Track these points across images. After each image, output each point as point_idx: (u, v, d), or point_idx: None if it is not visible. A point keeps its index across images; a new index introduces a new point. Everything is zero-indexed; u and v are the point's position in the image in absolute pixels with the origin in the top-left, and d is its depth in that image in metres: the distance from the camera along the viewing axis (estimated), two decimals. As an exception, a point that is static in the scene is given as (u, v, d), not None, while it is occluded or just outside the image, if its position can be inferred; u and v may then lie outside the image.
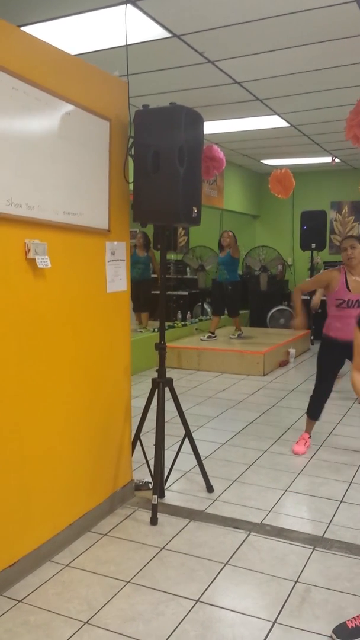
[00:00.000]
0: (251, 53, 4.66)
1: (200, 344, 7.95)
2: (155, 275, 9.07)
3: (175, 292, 10.74)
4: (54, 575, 2.75)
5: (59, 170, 2.82)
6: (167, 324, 8.49)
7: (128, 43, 3.85)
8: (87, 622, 2.41)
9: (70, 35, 4.12)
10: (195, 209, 3.30)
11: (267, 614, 2.48)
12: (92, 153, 3.06)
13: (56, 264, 2.81)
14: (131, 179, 3.31)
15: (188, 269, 11.23)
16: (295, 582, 2.71)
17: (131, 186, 3.33)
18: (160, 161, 3.13)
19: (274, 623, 2.42)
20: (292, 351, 8.14)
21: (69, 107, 2.87)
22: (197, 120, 3.30)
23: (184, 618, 2.44)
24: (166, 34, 4.19)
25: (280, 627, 2.40)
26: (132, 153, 3.26)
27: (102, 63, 3.36)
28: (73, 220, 2.93)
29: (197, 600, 2.56)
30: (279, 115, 6.69)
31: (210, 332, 8.40)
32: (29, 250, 2.62)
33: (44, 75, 2.69)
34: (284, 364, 7.91)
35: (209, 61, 4.82)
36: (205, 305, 10.58)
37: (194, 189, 3.29)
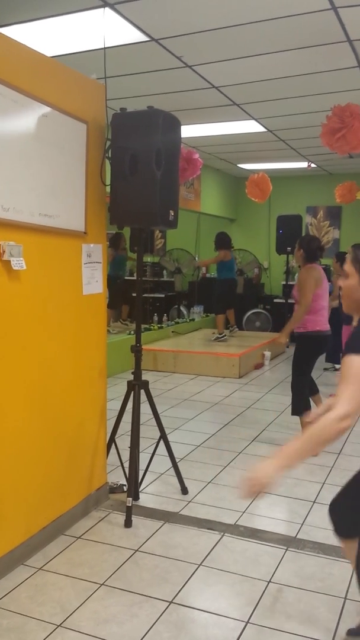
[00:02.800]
0: (229, 58, 4.70)
1: (176, 346, 7.97)
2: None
3: (151, 295, 10.75)
4: (27, 579, 2.74)
5: (35, 173, 2.81)
6: (143, 326, 8.52)
7: (106, 46, 3.86)
8: (60, 625, 2.41)
9: (48, 37, 4.11)
10: (172, 212, 3.33)
11: (240, 614, 2.51)
12: (69, 155, 3.06)
13: (32, 266, 2.80)
14: (108, 182, 3.32)
15: (165, 272, 11.26)
16: (268, 583, 2.74)
17: (108, 189, 3.34)
18: (137, 164, 3.15)
19: (246, 623, 2.45)
20: (268, 354, 8.20)
21: (46, 109, 2.86)
22: (174, 124, 3.32)
23: (157, 619, 2.46)
24: (144, 38, 4.21)
25: (253, 627, 2.43)
26: (109, 156, 3.27)
27: (80, 66, 3.37)
28: (49, 222, 2.93)
29: (171, 602, 2.58)
30: (255, 120, 6.75)
31: (218, 332, 8.54)
32: (3, 252, 2.61)
33: (20, 77, 2.68)
34: (259, 366, 7.97)
35: (186, 65, 4.84)
36: (182, 308, 10.61)
37: (171, 192, 3.31)
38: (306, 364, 4.64)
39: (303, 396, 4.62)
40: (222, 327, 8.59)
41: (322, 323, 4.54)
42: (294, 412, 4.70)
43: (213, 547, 3.05)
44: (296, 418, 5.22)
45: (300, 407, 4.60)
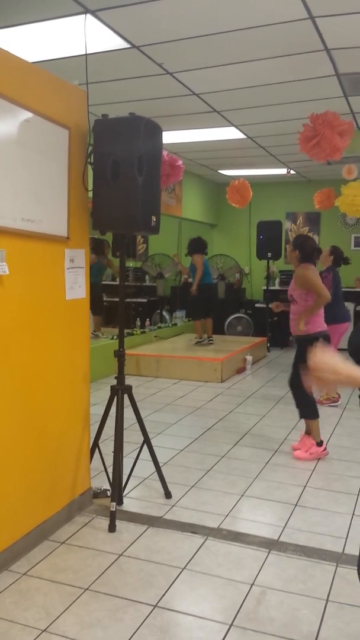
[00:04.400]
0: (209, 66, 4.75)
1: (158, 351, 7.98)
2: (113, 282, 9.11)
3: (134, 300, 10.75)
4: (11, 584, 2.73)
5: (17, 178, 2.82)
6: (125, 331, 8.51)
7: (88, 52, 3.88)
8: (44, 630, 2.40)
9: (29, 43, 4.12)
10: (154, 218, 3.35)
11: (223, 617, 2.52)
12: (51, 161, 3.07)
13: (14, 270, 2.80)
14: (90, 187, 3.33)
15: (147, 277, 11.27)
16: (251, 585, 2.76)
17: (91, 194, 3.35)
18: (119, 170, 3.17)
19: (230, 626, 2.46)
20: (249, 358, 8.25)
21: (27, 115, 2.87)
22: (156, 131, 3.34)
23: (142, 623, 2.46)
24: (125, 45, 4.24)
25: (237, 629, 2.44)
26: (92, 161, 3.28)
27: (61, 72, 3.38)
28: (32, 227, 2.93)
29: (155, 606, 2.59)
30: (235, 127, 6.81)
31: (198, 337, 8.54)
32: (-14, 257, 2.61)
33: (2, 82, 2.69)
34: (241, 370, 8.01)
35: (167, 72, 4.88)
36: (164, 313, 10.63)
37: (152, 198, 3.33)
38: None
39: (308, 399, 4.47)
40: (201, 330, 8.61)
41: (320, 323, 4.48)
42: (303, 415, 4.54)
43: (197, 551, 3.06)
44: (278, 421, 5.29)
45: (309, 409, 4.48)
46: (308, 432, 4.54)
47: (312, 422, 4.50)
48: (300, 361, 4.47)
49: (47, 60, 4.40)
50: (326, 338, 4.51)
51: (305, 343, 4.45)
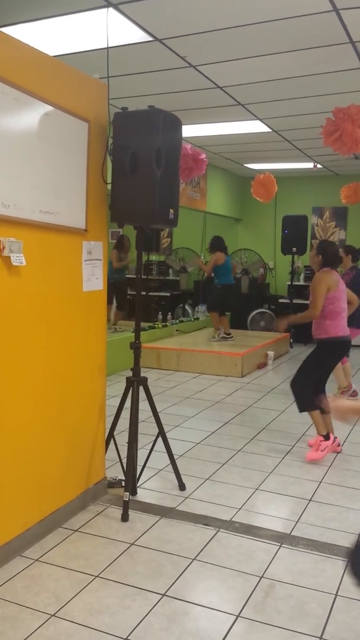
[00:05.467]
0: (233, 58, 4.73)
1: (179, 345, 8.01)
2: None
3: (157, 293, 10.79)
4: (23, 570, 2.78)
5: (36, 170, 2.86)
6: (147, 324, 8.57)
7: (109, 46, 3.90)
8: (54, 615, 2.45)
9: (51, 37, 4.16)
10: (172, 211, 3.36)
11: (231, 608, 2.54)
12: (70, 153, 3.10)
13: (32, 262, 2.84)
14: (109, 180, 3.36)
15: (170, 271, 11.30)
16: (261, 578, 2.77)
17: (109, 187, 3.38)
18: (137, 163, 3.19)
19: (237, 617, 2.48)
20: (271, 354, 8.23)
21: (48, 108, 2.91)
22: (175, 124, 3.35)
23: (149, 611, 2.49)
24: (148, 38, 4.25)
25: (243, 620, 2.46)
26: (111, 154, 3.31)
27: (83, 65, 3.41)
28: (50, 219, 2.97)
29: (164, 595, 2.62)
30: (260, 120, 6.78)
31: (216, 330, 8.56)
32: (3, 248, 2.65)
33: (23, 76, 2.73)
34: (262, 366, 7.99)
35: (190, 65, 4.88)
36: (187, 307, 10.65)
37: (171, 191, 3.35)
38: (319, 368, 4.47)
39: (305, 392, 4.44)
40: (228, 326, 8.62)
41: (342, 327, 4.39)
42: (301, 409, 4.50)
43: (208, 542, 3.09)
44: (297, 416, 5.25)
45: (305, 403, 4.43)
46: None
47: (311, 414, 4.43)
48: (310, 364, 4.47)
49: (69, 54, 4.43)
50: (343, 343, 4.44)
51: (321, 346, 4.46)
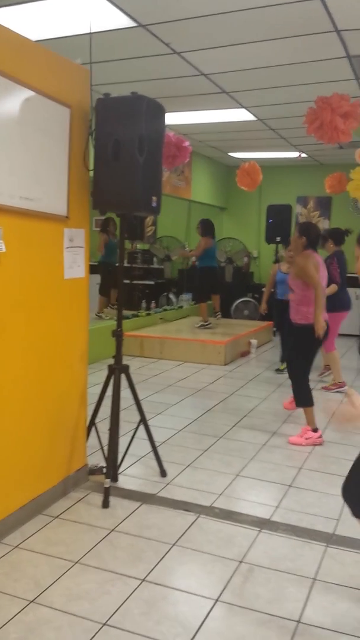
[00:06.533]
0: (218, 45, 4.70)
1: (163, 333, 8.01)
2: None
3: (141, 282, 10.77)
4: (2, 556, 2.79)
5: (16, 155, 2.83)
6: (131, 313, 8.56)
7: (92, 31, 3.86)
8: (32, 601, 2.46)
9: (33, 21, 4.10)
10: (155, 199, 3.35)
11: (210, 592, 2.57)
12: (51, 139, 3.08)
13: (12, 248, 2.82)
14: (91, 167, 3.34)
15: (155, 259, 11.27)
16: (240, 563, 2.81)
17: (91, 173, 3.36)
18: (120, 150, 3.17)
19: (216, 601, 2.51)
20: (254, 342, 8.27)
21: (28, 93, 2.87)
22: (158, 111, 3.33)
23: (129, 596, 2.52)
24: (132, 24, 4.21)
25: (222, 605, 2.49)
26: (93, 140, 3.28)
27: (66, 51, 3.37)
28: (30, 205, 2.95)
29: (143, 580, 2.64)
30: (245, 108, 6.76)
31: (203, 320, 8.56)
32: (-17, 233, 2.63)
33: (3, 59, 2.69)
34: (245, 354, 8.03)
35: (175, 52, 4.84)
36: (171, 295, 10.64)
37: (153, 179, 3.33)
38: (310, 353, 4.47)
39: (306, 385, 4.46)
40: (207, 314, 8.63)
41: (323, 313, 4.39)
42: (299, 404, 4.52)
43: (188, 528, 3.11)
44: (278, 404, 5.31)
45: (303, 398, 4.46)
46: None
47: (307, 409, 4.48)
48: (302, 352, 4.46)
49: (52, 39, 4.38)
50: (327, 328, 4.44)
51: (302, 332, 4.43)
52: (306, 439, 4.43)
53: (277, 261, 10.02)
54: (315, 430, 4.48)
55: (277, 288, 6.84)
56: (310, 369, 4.52)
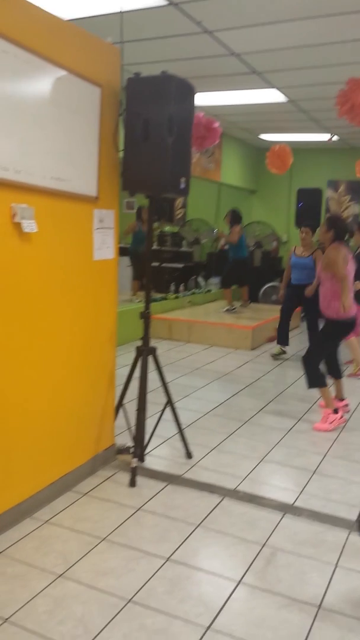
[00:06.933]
0: (250, 24, 4.63)
1: (191, 316, 8.02)
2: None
3: (170, 265, 10.75)
4: (33, 531, 2.85)
5: (47, 135, 2.84)
6: (159, 295, 8.58)
7: (123, 10, 3.83)
8: (61, 575, 2.52)
9: (65, 0, 4.07)
10: (183, 180, 3.33)
11: (232, 574, 2.59)
12: (82, 119, 3.07)
13: (42, 228, 2.84)
14: (121, 147, 3.33)
15: (184, 242, 11.24)
16: (263, 546, 2.82)
17: (121, 154, 3.35)
18: (149, 130, 3.15)
19: (238, 583, 2.53)
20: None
21: (60, 72, 2.87)
22: (188, 91, 3.30)
23: (153, 575, 2.55)
24: (163, 2, 4.15)
25: (244, 586, 2.51)
26: (123, 120, 3.27)
27: (96, 30, 3.34)
28: (61, 186, 2.96)
29: (168, 559, 2.67)
30: (277, 89, 6.65)
31: (229, 305, 8.63)
32: (15, 214, 2.65)
33: (34, 39, 2.69)
34: (272, 339, 7.97)
35: (206, 31, 4.78)
36: (199, 279, 10.62)
37: (182, 160, 3.31)
38: (332, 344, 4.59)
39: (316, 369, 4.45)
40: (231, 299, 8.65)
41: (351, 307, 4.32)
42: (311, 385, 4.50)
43: (212, 510, 3.14)
44: (305, 391, 5.26)
45: (315, 379, 4.45)
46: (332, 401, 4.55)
47: (321, 390, 4.48)
48: (320, 340, 4.52)
49: (83, 18, 4.35)
50: (350, 323, 4.43)
51: (331, 325, 4.45)
52: (330, 423, 4.42)
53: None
54: (335, 411, 4.47)
55: (292, 273, 6.72)
56: (323, 356, 4.60)
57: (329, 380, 4.62)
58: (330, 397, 4.51)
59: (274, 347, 6.95)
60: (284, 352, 6.88)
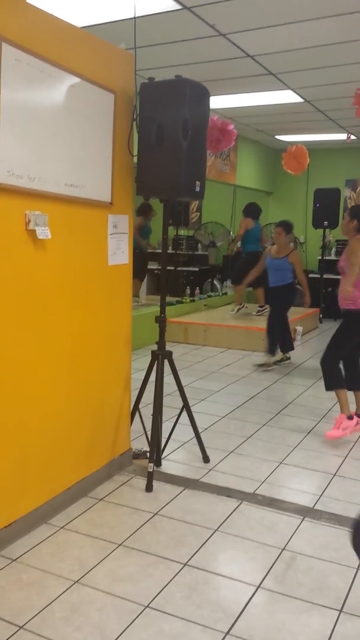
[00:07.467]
0: (264, 26, 4.62)
1: (207, 319, 8.00)
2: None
3: (185, 268, 10.76)
4: (49, 537, 2.86)
5: (61, 142, 2.85)
6: (175, 299, 8.57)
7: (137, 15, 3.84)
8: (77, 582, 2.51)
9: (77, 7, 4.10)
10: (198, 183, 3.32)
11: (252, 578, 2.57)
12: (96, 125, 3.08)
13: (57, 235, 2.86)
14: (136, 152, 3.33)
15: (199, 245, 11.24)
16: (282, 550, 2.80)
17: (135, 159, 3.35)
18: (164, 134, 3.15)
19: (257, 587, 2.51)
20: (299, 329, 8.16)
21: (73, 79, 2.89)
22: (202, 94, 3.29)
23: (171, 580, 2.54)
24: (176, 6, 4.16)
25: (264, 591, 2.49)
26: (138, 126, 3.27)
27: (110, 36, 3.35)
28: (75, 192, 2.97)
29: (185, 564, 2.66)
30: (292, 90, 6.62)
31: (238, 304, 8.51)
32: (29, 221, 2.67)
33: (48, 47, 2.70)
34: (290, 341, 7.92)
35: (220, 34, 4.77)
36: (215, 282, 10.60)
37: (197, 163, 3.31)
38: (348, 341, 4.31)
39: (335, 370, 4.30)
40: (241, 297, 8.55)
41: None
42: (328, 387, 4.35)
43: (230, 514, 3.12)
44: (324, 392, 5.20)
45: (333, 381, 4.28)
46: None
47: (338, 392, 4.28)
48: (339, 339, 4.29)
49: (96, 25, 4.37)
50: None
51: (349, 317, 4.27)
52: (343, 429, 4.20)
53: (324, 247, 9.88)
54: (350, 417, 4.26)
55: (268, 274, 6.50)
56: (344, 356, 4.34)
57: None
58: (346, 401, 4.29)
59: (278, 355, 6.56)
60: (287, 358, 6.62)
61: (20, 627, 2.23)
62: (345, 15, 4.32)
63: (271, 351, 6.47)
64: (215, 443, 4.08)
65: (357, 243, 4.21)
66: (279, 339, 6.47)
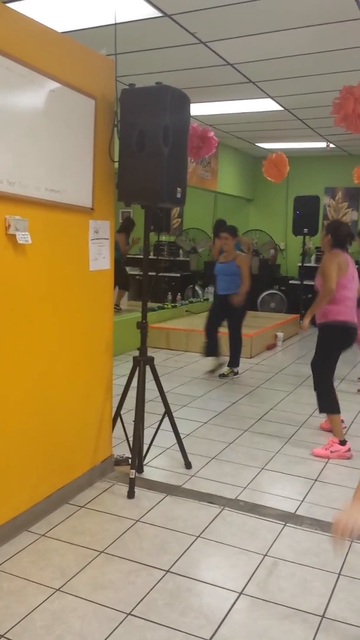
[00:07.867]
0: (244, 35, 4.64)
1: (189, 325, 8.00)
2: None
3: (167, 274, 10.77)
4: (29, 545, 2.82)
5: (42, 147, 2.84)
6: (157, 305, 8.57)
7: (117, 22, 3.84)
8: (58, 589, 2.49)
9: (58, 12, 4.09)
10: (179, 190, 3.33)
11: (234, 585, 2.56)
12: (76, 131, 3.08)
13: (38, 240, 2.84)
14: (117, 158, 3.33)
15: (181, 251, 11.26)
16: (264, 556, 2.80)
17: (116, 165, 3.35)
18: (145, 140, 3.16)
19: (240, 594, 2.50)
20: (280, 335, 8.21)
21: (54, 85, 2.88)
22: (183, 101, 3.30)
23: (153, 587, 2.52)
24: (157, 13, 4.17)
25: (246, 597, 2.48)
26: (119, 132, 3.27)
27: (91, 42, 3.35)
28: (56, 197, 2.96)
29: (168, 571, 2.64)
30: (272, 98, 6.67)
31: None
32: (9, 226, 2.65)
33: (28, 52, 2.70)
34: (271, 347, 7.97)
35: (200, 42, 4.80)
36: (197, 288, 10.62)
37: (178, 170, 3.31)
38: (327, 358, 4.20)
39: (330, 392, 4.20)
40: None
41: (345, 313, 4.10)
42: (322, 410, 4.25)
43: (212, 520, 3.11)
44: (305, 398, 5.26)
45: (329, 405, 4.19)
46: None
47: (332, 417, 4.18)
48: (317, 351, 4.24)
49: (77, 30, 4.36)
50: (347, 330, 4.11)
51: (323, 331, 4.20)
52: (332, 452, 4.06)
53: (304, 254, 9.96)
54: (343, 442, 4.11)
55: (216, 281, 6.41)
56: (333, 373, 4.24)
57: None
58: (339, 427, 4.18)
59: (224, 369, 6.36)
60: (235, 373, 6.34)
61: (1, 636, 2.19)
62: (324, 25, 4.37)
63: (215, 354, 6.37)
64: (197, 449, 4.07)
65: (329, 259, 4.12)
66: (231, 350, 6.32)
